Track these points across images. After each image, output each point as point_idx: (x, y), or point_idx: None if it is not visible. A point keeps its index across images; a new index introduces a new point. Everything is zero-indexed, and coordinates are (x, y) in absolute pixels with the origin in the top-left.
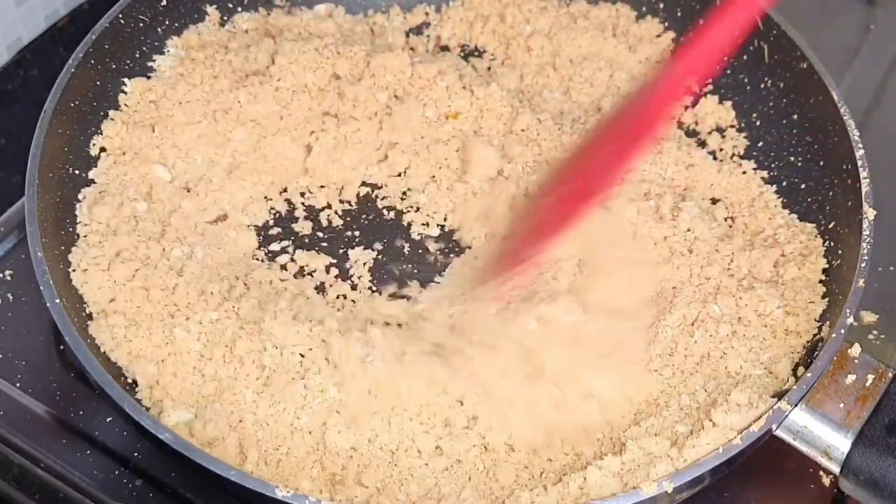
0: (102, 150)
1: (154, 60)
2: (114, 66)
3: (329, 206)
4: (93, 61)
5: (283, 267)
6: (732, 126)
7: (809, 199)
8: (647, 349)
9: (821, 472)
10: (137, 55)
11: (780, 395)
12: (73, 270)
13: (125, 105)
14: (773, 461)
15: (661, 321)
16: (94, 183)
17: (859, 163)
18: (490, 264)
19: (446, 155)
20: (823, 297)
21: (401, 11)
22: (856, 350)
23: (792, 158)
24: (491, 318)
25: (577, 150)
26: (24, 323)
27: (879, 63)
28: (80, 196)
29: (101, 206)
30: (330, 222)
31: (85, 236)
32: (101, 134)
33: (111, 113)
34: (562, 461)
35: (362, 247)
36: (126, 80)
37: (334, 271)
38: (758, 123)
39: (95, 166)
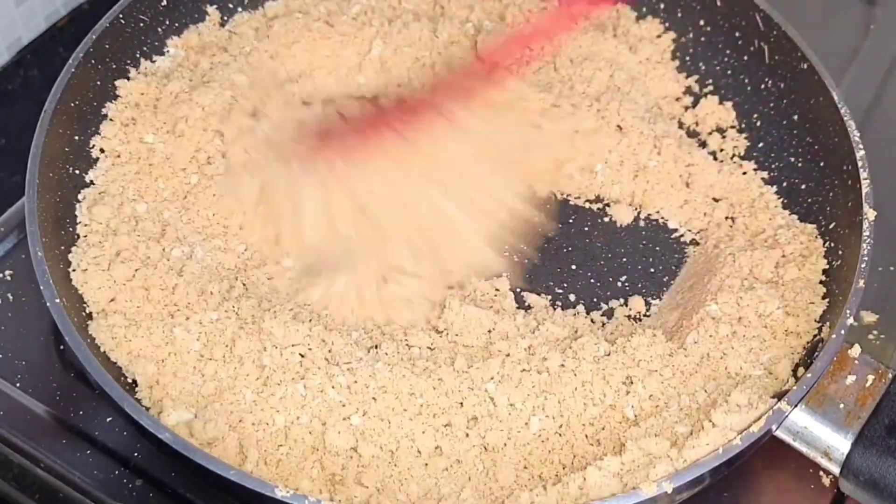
0: (102, 150)
1: (154, 61)
2: (114, 66)
3: None
4: (93, 61)
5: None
6: (733, 126)
7: (810, 200)
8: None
9: (820, 473)
10: (137, 55)
11: (780, 396)
12: (73, 270)
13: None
14: (773, 462)
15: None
16: (94, 183)
17: (860, 163)
18: None
19: None
20: (823, 298)
21: None
22: (856, 351)
23: (792, 159)
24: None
25: None
26: (24, 323)
27: (880, 63)
28: (79, 196)
29: (101, 207)
30: None
31: (85, 236)
32: (101, 134)
33: (111, 113)
34: (562, 461)
35: None
36: (126, 80)
37: None
38: (758, 124)
39: (95, 166)
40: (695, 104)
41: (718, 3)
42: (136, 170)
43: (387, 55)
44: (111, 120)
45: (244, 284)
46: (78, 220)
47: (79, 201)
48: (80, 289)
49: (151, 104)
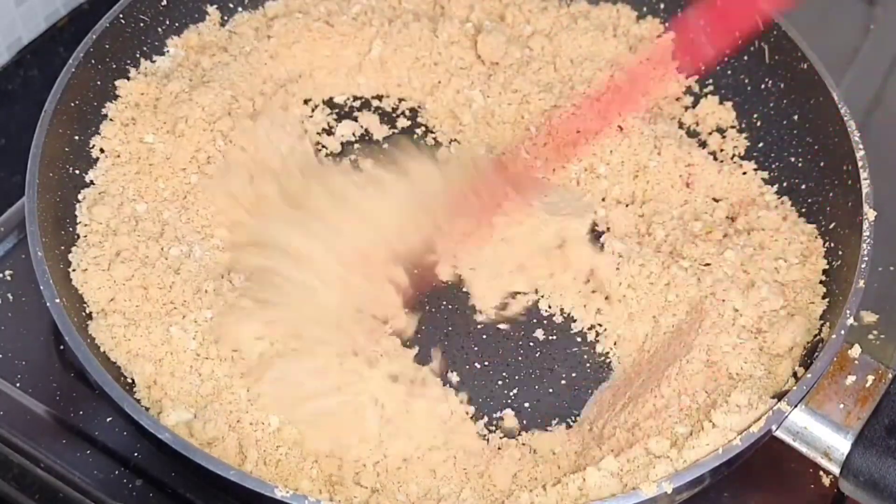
0: (102, 150)
1: (154, 61)
2: (114, 66)
3: None
4: (93, 61)
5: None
6: (733, 126)
7: (810, 200)
8: None
9: (820, 473)
10: (137, 55)
11: (780, 396)
12: (73, 270)
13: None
14: (773, 462)
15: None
16: (94, 183)
17: (860, 164)
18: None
19: None
20: (824, 298)
21: None
22: (856, 351)
23: (792, 159)
24: None
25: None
26: (24, 323)
27: (880, 63)
28: (79, 196)
29: (101, 207)
30: None
31: (85, 236)
32: (101, 134)
33: (111, 113)
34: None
35: None
36: (126, 80)
37: None
38: (758, 124)
39: (95, 167)
40: (695, 104)
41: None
42: (136, 170)
43: (387, 55)
44: (111, 120)
45: (231, 282)
46: (78, 220)
47: (79, 201)
48: (80, 289)
49: (151, 104)
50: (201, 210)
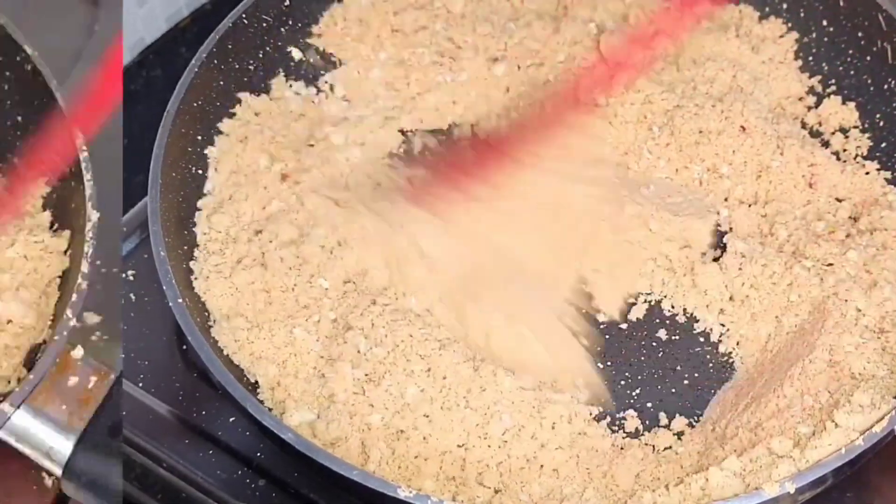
0: (218, 161)
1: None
2: (237, 67)
3: None
4: (216, 61)
5: None
6: (856, 126)
7: None
8: None
9: None
10: (260, 55)
11: None
12: (196, 279)
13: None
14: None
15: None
16: (212, 193)
17: None
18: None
19: None
20: None
21: None
22: None
23: None
24: None
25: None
26: (148, 323)
27: None
28: (199, 205)
29: (220, 215)
30: None
31: (205, 245)
32: (216, 146)
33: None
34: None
35: None
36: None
37: None
38: (881, 124)
39: (211, 177)
40: (818, 104)
41: (841, 4)
42: (251, 179)
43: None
44: (226, 135)
45: (354, 282)
46: (197, 228)
47: (199, 209)
48: (203, 296)
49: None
50: None
